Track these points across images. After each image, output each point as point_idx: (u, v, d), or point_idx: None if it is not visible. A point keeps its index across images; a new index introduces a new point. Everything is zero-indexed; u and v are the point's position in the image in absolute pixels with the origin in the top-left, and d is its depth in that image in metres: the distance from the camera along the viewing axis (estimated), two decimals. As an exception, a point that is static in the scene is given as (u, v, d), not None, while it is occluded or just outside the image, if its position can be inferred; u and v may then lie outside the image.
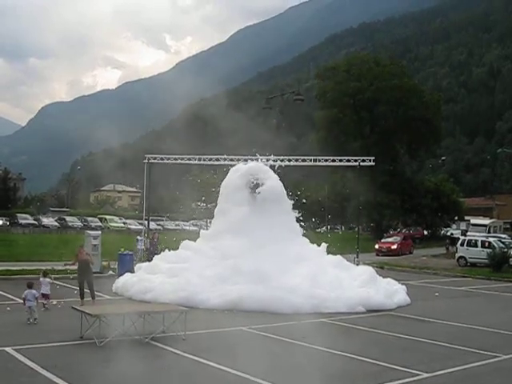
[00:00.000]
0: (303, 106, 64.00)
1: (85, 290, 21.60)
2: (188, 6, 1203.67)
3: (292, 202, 29.24)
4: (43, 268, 30.12)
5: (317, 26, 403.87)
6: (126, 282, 25.46)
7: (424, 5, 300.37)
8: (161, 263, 26.40)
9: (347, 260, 28.85)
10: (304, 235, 28.86)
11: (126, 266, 29.01)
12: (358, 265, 31.37)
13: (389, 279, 27.39)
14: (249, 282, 22.59)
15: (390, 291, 25.24)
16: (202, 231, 30.35)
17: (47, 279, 20.76)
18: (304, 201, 37.12)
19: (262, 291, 21.99)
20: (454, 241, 57.17)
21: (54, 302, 20.99)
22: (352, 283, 24.97)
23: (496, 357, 15.52)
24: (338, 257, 28.37)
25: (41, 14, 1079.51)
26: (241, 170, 28.84)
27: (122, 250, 31.68)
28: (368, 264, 33.43)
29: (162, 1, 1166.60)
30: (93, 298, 21.48)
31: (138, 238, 37.71)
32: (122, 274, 27.59)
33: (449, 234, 69.75)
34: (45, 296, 20.30)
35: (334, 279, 24.42)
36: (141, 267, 27.58)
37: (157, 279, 22.83)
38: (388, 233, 70.64)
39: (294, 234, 28.20)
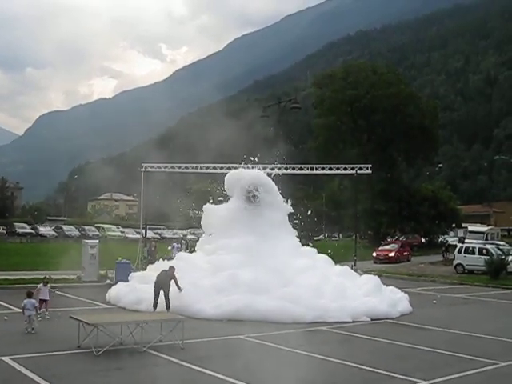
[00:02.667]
0: (300, 114, 64.27)
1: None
2: (183, 17, 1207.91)
3: (290, 210, 29.31)
4: (41, 277, 30.32)
5: (314, 34, 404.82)
6: (118, 292, 25.33)
7: (420, 12, 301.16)
8: (154, 273, 25.94)
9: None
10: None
11: (124, 274, 28.90)
12: (358, 273, 31.26)
13: (392, 287, 27.31)
14: (246, 293, 22.33)
15: (394, 300, 25.11)
16: (203, 245, 29.80)
17: (46, 286, 20.67)
18: (309, 212, 37.18)
19: (260, 302, 21.81)
20: (449, 248, 57.25)
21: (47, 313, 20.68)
22: (356, 292, 24.85)
23: (494, 364, 15.52)
24: (344, 267, 28.44)
25: (37, 25, 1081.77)
26: (239, 179, 28.73)
27: (120, 258, 31.65)
28: (366, 272, 33.43)
29: (157, 11, 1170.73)
30: (168, 307, 21.46)
31: (175, 245, 38.26)
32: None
33: (445, 241, 69.64)
34: (43, 302, 20.21)
35: (337, 289, 24.28)
36: (133, 277, 27.39)
37: (149, 289, 22.50)
38: (386, 240, 70.56)
39: (296, 244, 28.26)
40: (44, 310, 20.20)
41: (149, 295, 22.12)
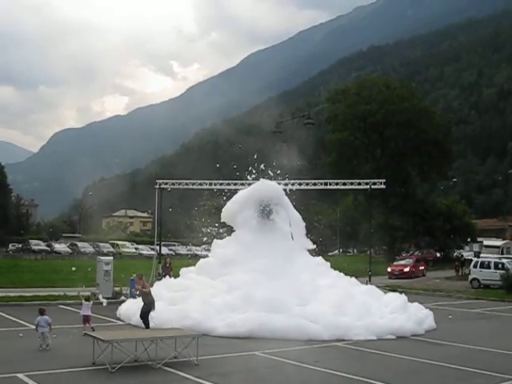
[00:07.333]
0: (314, 129, 64.25)
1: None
2: (194, 34, 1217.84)
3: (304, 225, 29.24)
4: (56, 294, 30.49)
5: (326, 49, 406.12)
6: (127, 310, 25.19)
7: (433, 26, 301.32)
8: (163, 290, 25.46)
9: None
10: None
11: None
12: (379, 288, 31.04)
13: (416, 303, 26.95)
14: (261, 311, 21.89)
15: (421, 318, 24.63)
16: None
17: (87, 302, 20.78)
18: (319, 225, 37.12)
19: (275, 320, 21.35)
20: (463, 263, 57.00)
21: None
22: (382, 310, 24.37)
23: (509, 379, 15.38)
24: (370, 286, 28.18)
25: (49, 43, 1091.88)
26: (252, 195, 28.64)
27: (134, 275, 31.60)
28: (381, 287, 33.23)
29: (169, 30, 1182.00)
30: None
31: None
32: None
33: (460, 255, 69.21)
34: (85, 318, 20.42)
35: (362, 307, 23.63)
36: None
37: (158, 307, 22.15)
38: (400, 255, 70.29)
39: (315, 262, 28.08)
40: (88, 325, 20.29)
41: (158, 314, 21.75)
